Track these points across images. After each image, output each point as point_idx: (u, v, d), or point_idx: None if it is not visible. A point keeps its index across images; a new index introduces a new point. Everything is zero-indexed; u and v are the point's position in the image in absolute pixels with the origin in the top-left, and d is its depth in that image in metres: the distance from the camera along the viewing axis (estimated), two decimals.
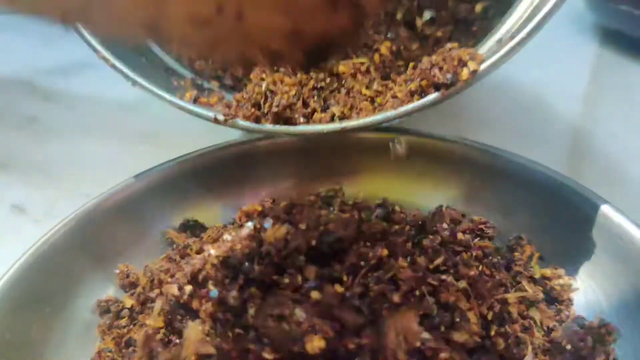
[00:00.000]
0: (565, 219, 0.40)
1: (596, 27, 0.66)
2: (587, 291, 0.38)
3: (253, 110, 0.41)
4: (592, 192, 0.40)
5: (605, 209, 0.38)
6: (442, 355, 0.28)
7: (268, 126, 0.41)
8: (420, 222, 0.34)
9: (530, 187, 0.42)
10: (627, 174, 0.50)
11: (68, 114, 0.61)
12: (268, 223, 0.33)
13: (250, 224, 0.35)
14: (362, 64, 0.45)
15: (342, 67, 0.45)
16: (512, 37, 0.36)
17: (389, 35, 0.47)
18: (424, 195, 0.44)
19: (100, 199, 0.42)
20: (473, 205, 0.43)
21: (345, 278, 0.30)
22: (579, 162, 0.51)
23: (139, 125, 0.58)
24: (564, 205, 0.40)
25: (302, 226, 0.30)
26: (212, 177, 0.45)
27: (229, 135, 0.50)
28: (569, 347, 0.33)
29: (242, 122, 0.41)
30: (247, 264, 0.31)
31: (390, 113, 0.39)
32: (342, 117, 0.41)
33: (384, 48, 0.46)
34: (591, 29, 0.66)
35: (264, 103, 0.41)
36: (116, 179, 0.43)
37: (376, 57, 0.46)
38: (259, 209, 0.34)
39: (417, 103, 0.38)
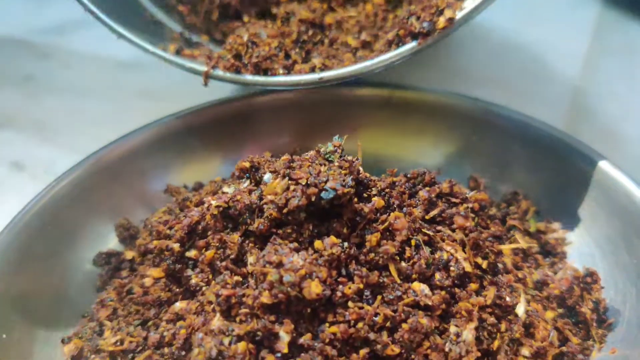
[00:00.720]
0: (563, 174, 0.40)
1: None
2: (582, 245, 0.39)
3: (233, 61, 0.41)
4: (590, 147, 0.40)
5: (602, 164, 0.38)
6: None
7: (247, 77, 0.41)
8: (418, 175, 0.34)
9: (528, 142, 0.42)
10: (626, 133, 0.50)
11: (65, 71, 0.61)
12: (268, 176, 0.33)
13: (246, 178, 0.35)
14: (351, 17, 0.45)
15: (328, 18, 0.44)
16: None
17: None
18: (422, 150, 0.45)
19: (99, 155, 0.42)
20: (471, 160, 0.44)
21: (344, 230, 0.30)
22: (578, 121, 0.51)
23: (136, 82, 0.58)
24: (561, 160, 0.40)
25: (302, 182, 0.30)
26: (211, 133, 0.45)
27: (227, 91, 0.50)
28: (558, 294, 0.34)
29: (220, 73, 0.41)
30: (247, 214, 0.32)
31: (367, 63, 0.39)
32: (323, 69, 0.41)
33: None
34: None
35: (245, 54, 0.41)
36: (114, 136, 0.43)
37: (368, 7, 0.46)
38: (248, 165, 0.34)
39: (393, 52, 0.38)
